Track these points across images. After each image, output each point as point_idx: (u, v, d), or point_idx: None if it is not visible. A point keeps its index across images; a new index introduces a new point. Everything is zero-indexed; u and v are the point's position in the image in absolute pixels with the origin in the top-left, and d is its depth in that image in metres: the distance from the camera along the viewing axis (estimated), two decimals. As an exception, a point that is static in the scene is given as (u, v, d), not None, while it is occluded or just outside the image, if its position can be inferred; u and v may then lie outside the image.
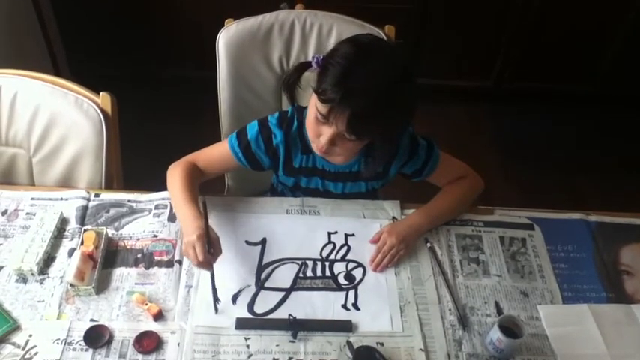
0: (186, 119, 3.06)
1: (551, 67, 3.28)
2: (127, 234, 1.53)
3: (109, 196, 1.62)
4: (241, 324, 1.36)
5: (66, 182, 1.69)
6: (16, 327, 1.32)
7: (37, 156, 1.69)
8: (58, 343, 1.30)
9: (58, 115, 1.62)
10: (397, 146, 1.51)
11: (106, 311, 1.37)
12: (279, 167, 1.58)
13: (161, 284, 1.43)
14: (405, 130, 1.47)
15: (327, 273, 1.49)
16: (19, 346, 1.29)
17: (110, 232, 1.53)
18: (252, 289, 1.44)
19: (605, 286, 1.51)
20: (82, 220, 1.55)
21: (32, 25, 2.87)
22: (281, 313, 1.39)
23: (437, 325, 1.40)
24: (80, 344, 1.30)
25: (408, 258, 1.53)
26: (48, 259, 1.46)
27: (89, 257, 1.43)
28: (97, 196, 1.62)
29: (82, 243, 1.45)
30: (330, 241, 1.56)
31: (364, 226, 1.59)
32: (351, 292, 1.45)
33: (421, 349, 1.35)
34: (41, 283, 1.41)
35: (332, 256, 1.52)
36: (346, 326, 1.37)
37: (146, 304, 1.36)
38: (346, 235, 1.57)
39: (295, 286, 1.46)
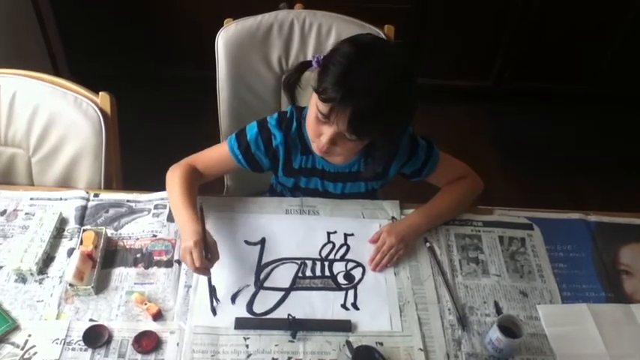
0: (185, 119, 3.06)
1: (551, 67, 3.28)
2: (126, 234, 1.53)
3: (108, 196, 1.62)
4: (240, 324, 1.36)
5: (65, 182, 1.69)
6: (15, 327, 1.32)
7: (36, 156, 1.69)
8: (57, 343, 1.30)
9: (57, 114, 1.62)
10: (397, 146, 1.51)
11: (105, 311, 1.37)
12: (279, 168, 1.58)
13: (160, 284, 1.43)
14: (405, 130, 1.47)
15: (327, 273, 1.49)
16: (18, 346, 1.29)
17: (109, 232, 1.53)
18: (252, 289, 1.44)
19: (605, 285, 1.51)
20: (81, 220, 1.55)
21: (31, 24, 2.87)
22: (280, 313, 1.39)
23: (436, 324, 1.40)
24: (79, 344, 1.30)
25: (408, 258, 1.53)
26: (47, 259, 1.46)
27: (88, 257, 1.43)
28: (96, 196, 1.62)
29: (81, 243, 1.45)
30: (329, 241, 1.56)
31: (363, 225, 1.59)
32: (351, 292, 1.45)
33: (420, 349, 1.34)
34: (40, 283, 1.41)
35: (331, 256, 1.52)
36: (345, 326, 1.37)
37: (145, 304, 1.36)
38: (345, 235, 1.57)
39: (294, 286, 1.45)
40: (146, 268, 1.46)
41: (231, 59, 1.79)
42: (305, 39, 1.82)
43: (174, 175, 1.51)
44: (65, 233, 1.52)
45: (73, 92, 1.62)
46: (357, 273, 1.49)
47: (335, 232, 1.58)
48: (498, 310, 1.44)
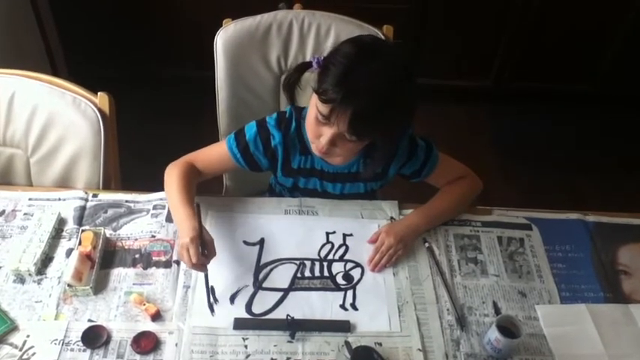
0: (185, 119, 3.06)
1: (551, 67, 3.28)
2: (124, 234, 1.53)
3: (106, 197, 1.62)
4: (239, 324, 1.36)
5: (64, 182, 1.69)
6: (13, 327, 1.32)
7: (35, 156, 1.68)
8: (55, 344, 1.30)
9: (56, 115, 1.62)
10: (397, 147, 1.51)
11: (104, 312, 1.37)
12: (278, 168, 1.58)
13: (159, 285, 1.43)
14: (405, 131, 1.47)
15: (325, 273, 1.49)
16: (16, 347, 1.29)
17: (108, 232, 1.53)
18: (250, 289, 1.44)
19: (603, 286, 1.51)
20: (80, 221, 1.55)
21: (30, 26, 2.86)
22: (279, 314, 1.39)
23: (435, 325, 1.40)
24: (78, 345, 1.30)
25: (406, 258, 1.53)
26: (45, 260, 1.46)
27: (87, 258, 1.43)
28: (94, 196, 1.62)
29: (79, 243, 1.45)
30: (328, 241, 1.55)
31: (362, 226, 1.59)
32: (349, 293, 1.45)
33: (419, 349, 1.34)
34: (39, 283, 1.41)
35: (330, 257, 1.52)
36: (344, 326, 1.37)
37: (144, 305, 1.36)
38: (344, 236, 1.57)
39: (293, 286, 1.45)
40: (145, 268, 1.46)
41: (230, 59, 1.79)
42: (304, 39, 1.82)
43: (173, 173, 1.51)
44: (64, 234, 1.52)
45: (71, 92, 1.62)
46: (355, 273, 1.49)
47: (334, 232, 1.57)
48: (497, 311, 1.43)
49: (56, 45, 3.08)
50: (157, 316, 1.36)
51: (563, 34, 3.13)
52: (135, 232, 1.54)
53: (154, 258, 1.48)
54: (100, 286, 1.41)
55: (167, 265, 1.47)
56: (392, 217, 1.61)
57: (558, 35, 3.14)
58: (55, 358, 1.28)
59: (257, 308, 1.40)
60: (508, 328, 1.31)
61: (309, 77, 1.38)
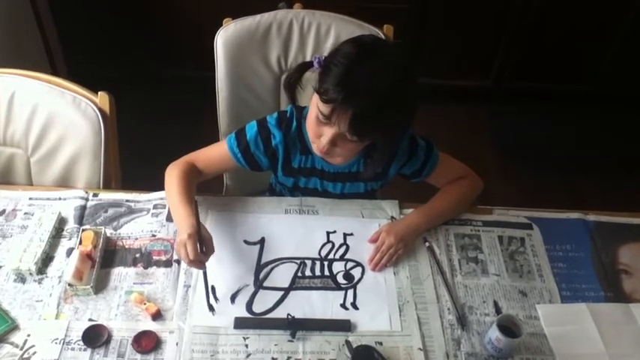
0: (185, 119, 3.06)
1: (551, 67, 3.28)
2: (125, 234, 1.53)
3: (107, 196, 1.62)
4: (240, 324, 1.36)
5: (64, 182, 1.69)
6: (14, 327, 1.32)
7: (35, 156, 1.68)
8: (56, 343, 1.30)
9: (56, 114, 1.62)
10: (397, 147, 1.51)
11: (105, 311, 1.37)
12: (279, 168, 1.58)
13: (159, 284, 1.43)
14: (406, 131, 1.47)
15: (326, 272, 1.49)
16: (17, 346, 1.29)
17: (108, 231, 1.53)
18: (251, 288, 1.44)
19: (604, 285, 1.51)
20: (81, 220, 1.55)
21: (30, 26, 2.86)
22: (280, 313, 1.39)
23: (435, 324, 1.40)
24: (78, 344, 1.30)
25: (407, 257, 1.53)
26: (46, 259, 1.46)
27: (87, 257, 1.43)
28: (95, 195, 1.62)
29: (80, 243, 1.45)
30: (328, 241, 1.55)
31: (363, 225, 1.59)
32: (350, 292, 1.45)
33: (420, 349, 1.34)
34: (39, 282, 1.41)
35: (331, 256, 1.52)
36: (345, 326, 1.37)
37: (144, 304, 1.36)
38: (345, 235, 1.57)
39: (294, 285, 1.45)
40: (145, 267, 1.46)
41: (230, 59, 1.79)
42: (304, 39, 1.82)
43: (173, 173, 1.51)
44: (64, 233, 1.52)
45: (71, 92, 1.62)
46: (356, 273, 1.49)
47: (334, 231, 1.57)
48: (498, 310, 1.43)
49: (56, 45, 3.08)
50: (157, 316, 1.36)
51: (563, 34, 3.13)
52: (135, 232, 1.54)
53: (154, 257, 1.48)
54: (100, 286, 1.41)
55: (168, 264, 1.47)
56: (392, 217, 1.61)
57: (558, 35, 3.14)
58: (55, 357, 1.28)
59: (258, 307, 1.40)
60: (509, 328, 1.31)
61: (310, 77, 1.38)
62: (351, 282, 1.47)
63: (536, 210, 1.67)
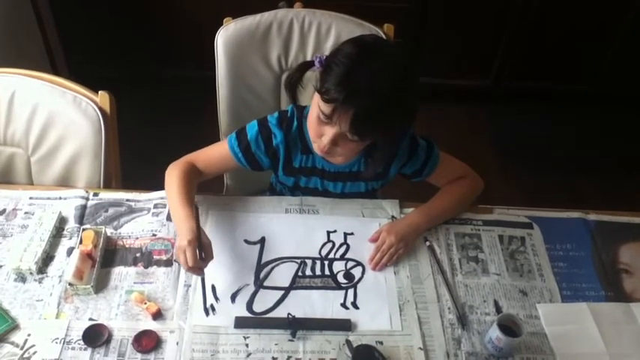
0: (185, 119, 3.06)
1: (551, 67, 3.28)
2: (125, 233, 1.53)
3: (107, 195, 1.62)
4: (240, 323, 1.36)
5: (64, 181, 1.69)
6: (14, 326, 1.32)
7: (36, 155, 1.68)
8: (56, 343, 1.30)
9: (57, 114, 1.62)
10: (398, 147, 1.51)
11: (105, 310, 1.37)
12: (279, 167, 1.58)
13: (160, 283, 1.43)
14: (406, 131, 1.47)
15: (326, 272, 1.49)
16: (17, 346, 1.29)
17: (109, 231, 1.53)
18: (251, 288, 1.44)
19: (604, 284, 1.51)
20: (81, 220, 1.55)
21: (30, 26, 2.86)
22: (280, 312, 1.39)
23: (436, 323, 1.40)
24: (79, 343, 1.30)
25: (407, 257, 1.53)
26: (46, 259, 1.46)
27: (88, 256, 1.43)
28: (95, 195, 1.62)
29: (80, 242, 1.45)
30: (329, 240, 1.55)
31: (363, 225, 1.59)
32: (350, 291, 1.45)
33: (420, 348, 1.34)
34: (40, 282, 1.41)
35: (331, 255, 1.52)
36: (345, 325, 1.37)
37: (145, 304, 1.36)
38: (345, 234, 1.57)
39: (294, 285, 1.45)
40: (146, 267, 1.46)
41: (230, 58, 1.79)
42: (304, 38, 1.82)
43: (174, 173, 1.51)
44: (65, 232, 1.52)
45: (72, 91, 1.62)
46: (356, 272, 1.49)
47: (335, 231, 1.57)
48: (498, 309, 1.43)
49: (56, 45, 3.08)
50: (157, 315, 1.36)
51: (563, 34, 3.13)
52: (136, 231, 1.54)
53: (154, 257, 1.48)
54: (100, 285, 1.41)
55: (168, 263, 1.47)
56: (393, 216, 1.61)
57: (558, 35, 3.14)
58: (56, 356, 1.28)
59: (258, 307, 1.40)
60: (509, 327, 1.31)
61: (311, 76, 1.38)
62: (351, 281, 1.47)
63: (537, 209, 1.67)
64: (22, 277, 1.42)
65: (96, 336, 1.31)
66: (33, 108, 1.62)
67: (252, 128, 1.53)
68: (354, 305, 1.42)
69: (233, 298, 1.41)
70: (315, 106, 1.34)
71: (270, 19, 1.79)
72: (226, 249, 1.50)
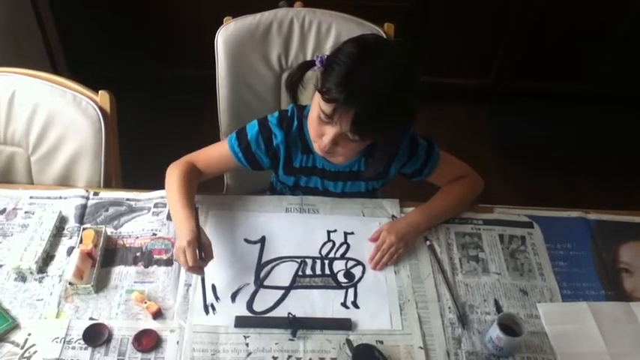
0: (185, 119, 3.06)
1: (551, 66, 3.28)
2: (125, 232, 1.53)
3: (107, 195, 1.62)
4: (240, 322, 1.36)
5: (64, 181, 1.69)
6: (14, 326, 1.32)
7: (36, 154, 1.68)
8: (57, 342, 1.30)
9: (57, 113, 1.62)
10: (398, 146, 1.51)
11: (105, 310, 1.37)
12: (280, 167, 1.58)
13: (160, 283, 1.43)
14: (407, 131, 1.47)
15: (327, 271, 1.49)
16: (17, 345, 1.29)
17: (109, 230, 1.52)
18: (252, 287, 1.44)
19: (604, 284, 1.51)
20: (81, 219, 1.55)
21: (30, 26, 2.86)
22: (280, 312, 1.39)
23: (436, 323, 1.40)
24: (79, 343, 1.30)
25: (408, 256, 1.53)
26: (47, 258, 1.46)
27: (88, 256, 1.43)
28: (95, 194, 1.62)
29: (80, 241, 1.45)
30: (329, 240, 1.55)
31: (363, 224, 1.59)
32: (351, 291, 1.45)
33: (420, 348, 1.34)
34: (40, 281, 1.41)
35: (331, 255, 1.52)
36: (345, 324, 1.37)
37: (145, 303, 1.36)
38: (345, 234, 1.57)
39: (294, 284, 1.45)
40: (146, 266, 1.46)
41: (230, 57, 1.79)
42: (305, 37, 1.82)
43: (174, 174, 1.51)
44: (65, 232, 1.52)
45: (72, 91, 1.62)
46: (357, 271, 1.49)
47: (335, 230, 1.57)
48: (498, 309, 1.43)
49: (56, 45, 3.08)
50: (158, 314, 1.36)
51: (563, 34, 3.13)
52: (136, 230, 1.53)
53: (155, 256, 1.48)
54: (101, 285, 1.41)
55: (168, 263, 1.47)
56: (393, 216, 1.61)
57: (558, 35, 3.14)
58: (56, 356, 1.27)
59: (258, 306, 1.40)
60: (509, 326, 1.31)
61: (311, 76, 1.38)
62: (351, 281, 1.47)
63: (537, 208, 1.67)
64: (22, 277, 1.42)
65: (96, 335, 1.31)
66: (33, 107, 1.62)
67: (252, 128, 1.53)
68: (355, 305, 1.42)
69: (233, 297, 1.41)
70: (316, 105, 1.34)
71: (270, 18, 1.79)
72: (226, 248, 1.50)
